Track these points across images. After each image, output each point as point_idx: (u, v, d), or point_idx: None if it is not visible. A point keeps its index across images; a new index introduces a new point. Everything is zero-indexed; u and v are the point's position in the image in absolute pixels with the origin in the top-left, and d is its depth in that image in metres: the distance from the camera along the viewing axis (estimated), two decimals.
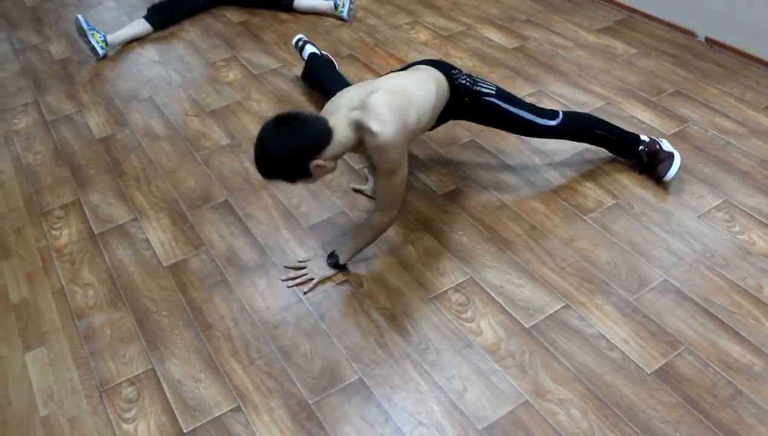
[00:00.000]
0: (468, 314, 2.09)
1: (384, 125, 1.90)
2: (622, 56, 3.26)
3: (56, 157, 2.91)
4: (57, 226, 2.56)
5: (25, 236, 2.54)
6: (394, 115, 1.94)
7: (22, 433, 1.90)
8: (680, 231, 2.31)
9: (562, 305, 2.09)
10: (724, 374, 1.89)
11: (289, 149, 1.88)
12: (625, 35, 3.42)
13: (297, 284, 2.21)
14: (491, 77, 3.14)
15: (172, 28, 3.77)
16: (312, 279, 2.20)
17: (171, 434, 1.86)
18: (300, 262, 2.28)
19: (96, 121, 3.10)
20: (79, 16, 3.46)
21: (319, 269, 2.23)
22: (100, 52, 3.50)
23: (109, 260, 2.39)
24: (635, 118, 2.84)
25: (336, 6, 3.68)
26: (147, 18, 3.74)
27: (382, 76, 2.33)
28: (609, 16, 3.59)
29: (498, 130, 2.55)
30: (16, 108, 3.26)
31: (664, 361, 1.92)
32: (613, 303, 2.09)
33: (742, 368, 1.90)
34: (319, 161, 1.90)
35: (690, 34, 3.34)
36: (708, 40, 3.28)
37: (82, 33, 3.50)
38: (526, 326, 2.04)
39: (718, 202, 2.41)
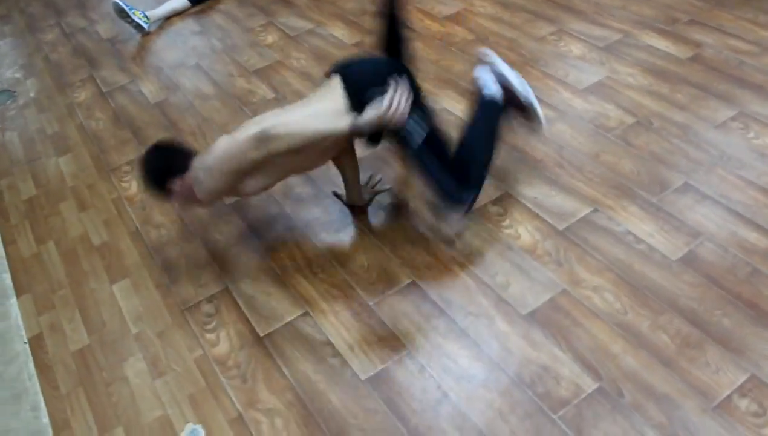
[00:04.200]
0: (506, 223, 2.30)
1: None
2: None
3: (116, 122, 3.17)
4: (125, 179, 2.83)
5: (98, 190, 2.80)
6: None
7: (119, 348, 2.17)
8: (698, 141, 2.50)
9: (592, 209, 2.30)
10: (742, 256, 2.08)
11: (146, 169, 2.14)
12: None
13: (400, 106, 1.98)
14: (514, 20, 3.34)
15: (209, 1, 4.01)
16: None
17: (249, 338, 2.10)
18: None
19: (149, 89, 3.36)
20: (117, 0, 3.71)
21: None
22: (145, 26, 3.76)
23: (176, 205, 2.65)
24: (652, 46, 3.02)
25: None
26: None
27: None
28: None
29: (523, 66, 2.73)
30: (75, 83, 3.53)
31: (687, 249, 2.12)
32: (638, 205, 2.29)
33: (759, 251, 2.09)
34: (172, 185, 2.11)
35: None
36: None
37: (123, 14, 3.75)
38: (560, 229, 2.25)
39: (733, 114, 2.59)
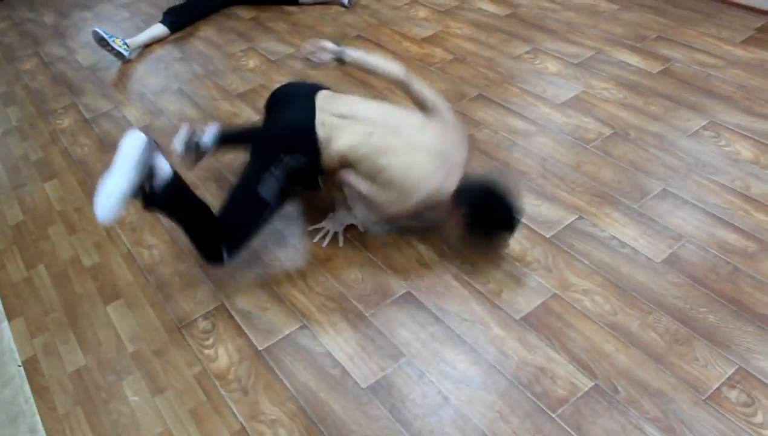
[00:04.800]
0: None
1: None
2: (606, 12, 3.57)
3: (102, 148, 3.19)
4: None
5: (87, 214, 2.81)
6: None
7: (116, 367, 2.17)
8: (673, 149, 2.61)
9: (576, 216, 2.38)
10: (722, 256, 2.17)
11: None
12: None
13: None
14: (490, 40, 3.45)
15: (188, 29, 4.06)
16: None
17: (248, 352, 2.13)
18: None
19: (133, 114, 3.39)
20: (97, 28, 3.74)
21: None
22: (125, 54, 3.79)
23: (166, 224, 2.67)
24: (623, 62, 3.14)
25: None
26: (163, 22, 4.03)
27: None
28: None
29: (502, 84, 2.83)
30: (57, 111, 3.54)
31: (669, 251, 2.21)
32: (620, 211, 2.38)
33: (738, 251, 2.18)
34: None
35: None
36: None
37: (104, 43, 3.78)
38: (547, 236, 2.33)
39: (704, 123, 2.71)
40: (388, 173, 2.16)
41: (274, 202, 2.23)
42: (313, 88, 2.41)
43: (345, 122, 2.25)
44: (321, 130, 2.23)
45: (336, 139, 2.22)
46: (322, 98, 2.33)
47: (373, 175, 2.19)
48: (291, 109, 2.36)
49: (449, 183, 2.18)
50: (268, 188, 2.19)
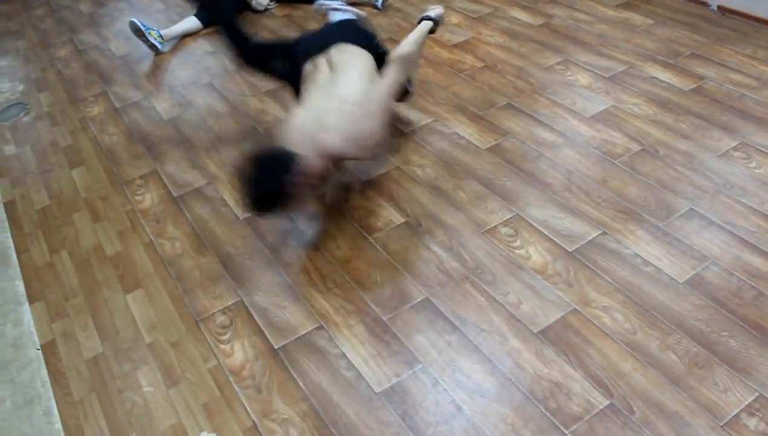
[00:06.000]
0: (517, 243, 2.36)
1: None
2: (641, 27, 3.53)
3: (130, 137, 3.22)
4: (139, 192, 2.87)
5: (112, 202, 2.84)
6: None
7: (133, 356, 2.19)
8: (702, 169, 2.57)
9: (600, 232, 2.36)
10: (747, 280, 2.14)
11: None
12: (643, 8, 3.69)
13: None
14: (521, 50, 3.43)
15: None
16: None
17: (264, 349, 2.13)
18: None
19: (162, 106, 3.41)
20: (134, 19, 3.79)
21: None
22: (160, 47, 3.83)
23: (190, 217, 2.69)
24: (655, 78, 3.11)
25: None
26: (197, 15, 4.06)
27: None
28: None
29: (531, 94, 2.81)
30: (87, 98, 3.58)
31: (693, 272, 2.18)
32: (645, 229, 2.35)
33: (763, 275, 2.15)
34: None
35: (703, 3, 3.61)
36: (720, 8, 3.54)
37: (140, 33, 3.82)
38: (569, 250, 2.31)
39: (735, 144, 2.67)
40: (291, 112, 2.46)
41: (273, 71, 2.78)
42: (342, 38, 2.60)
43: (324, 69, 2.50)
44: (309, 65, 2.54)
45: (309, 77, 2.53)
46: (336, 48, 2.55)
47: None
48: (316, 39, 2.67)
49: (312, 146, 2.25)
50: (276, 63, 2.74)
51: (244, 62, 2.77)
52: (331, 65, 2.50)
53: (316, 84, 2.47)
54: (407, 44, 2.49)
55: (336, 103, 2.31)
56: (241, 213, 2.66)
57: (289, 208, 2.24)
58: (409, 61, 2.53)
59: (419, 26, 2.63)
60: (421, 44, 2.60)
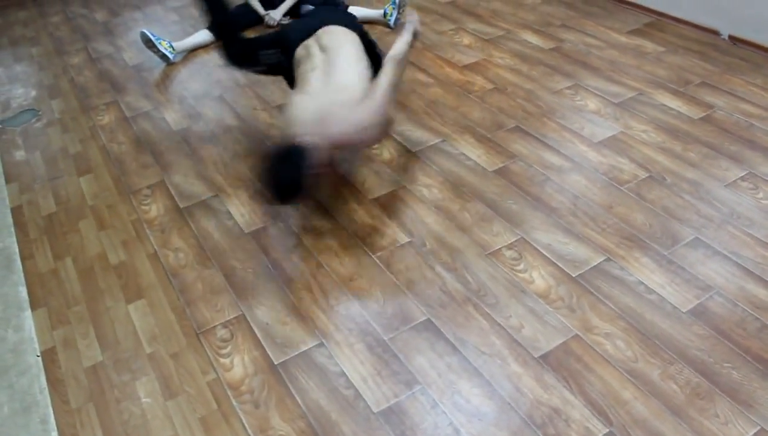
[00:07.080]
0: (521, 267, 2.35)
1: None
2: (652, 54, 3.54)
3: (138, 147, 3.24)
4: (146, 202, 2.88)
5: (118, 211, 2.85)
6: None
7: (132, 366, 2.18)
8: (708, 198, 2.57)
9: (604, 258, 2.35)
10: (751, 311, 2.13)
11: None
12: (654, 36, 3.70)
13: None
14: (531, 73, 3.45)
15: None
16: None
17: (263, 365, 2.13)
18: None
19: (172, 116, 3.43)
20: (144, 30, 3.82)
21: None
22: (171, 57, 3.86)
23: (195, 229, 2.69)
24: (665, 105, 3.11)
25: (385, 14, 4.02)
26: (209, 28, 4.09)
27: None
28: (638, 19, 3.88)
29: (540, 117, 2.82)
30: (99, 106, 3.61)
31: (697, 302, 2.17)
32: (649, 256, 2.34)
33: (767, 307, 2.14)
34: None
35: (714, 33, 3.62)
36: (731, 37, 3.55)
37: (150, 44, 3.85)
38: (573, 276, 2.30)
39: (743, 174, 2.67)
40: (292, 98, 2.56)
41: (264, 62, 2.81)
42: (328, 20, 2.71)
43: (316, 52, 2.60)
44: (301, 49, 2.64)
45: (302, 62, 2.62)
46: (323, 30, 2.66)
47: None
48: (303, 23, 2.80)
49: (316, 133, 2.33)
50: (264, 55, 2.79)
51: (232, 56, 2.81)
52: (322, 47, 2.60)
53: (312, 68, 2.56)
54: (398, 45, 2.58)
55: (336, 92, 2.41)
56: (245, 226, 2.67)
57: (309, 193, 2.41)
58: (403, 60, 2.60)
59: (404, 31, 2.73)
60: (410, 45, 2.69)
